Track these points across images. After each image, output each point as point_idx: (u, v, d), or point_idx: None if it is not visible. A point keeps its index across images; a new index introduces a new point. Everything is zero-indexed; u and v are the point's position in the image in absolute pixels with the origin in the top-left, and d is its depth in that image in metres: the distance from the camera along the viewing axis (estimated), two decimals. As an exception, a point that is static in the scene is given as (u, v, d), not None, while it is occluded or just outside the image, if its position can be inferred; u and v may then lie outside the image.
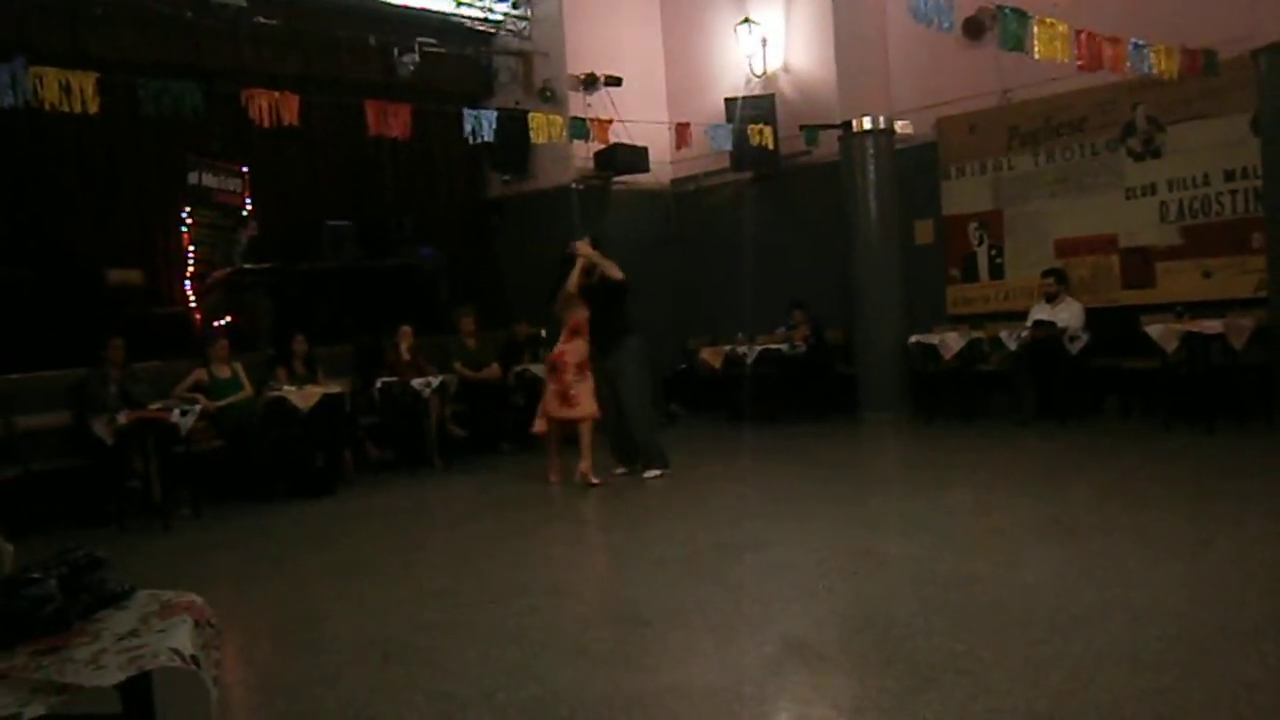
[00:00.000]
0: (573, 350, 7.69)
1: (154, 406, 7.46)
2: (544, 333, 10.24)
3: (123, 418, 7.22)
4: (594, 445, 7.69)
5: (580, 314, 7.75)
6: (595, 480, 7.50)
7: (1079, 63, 7.08)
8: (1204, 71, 7.74)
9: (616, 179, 11.65)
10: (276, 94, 7.31)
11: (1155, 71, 7.38)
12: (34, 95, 6.25)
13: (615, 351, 7.70)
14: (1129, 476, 6.68)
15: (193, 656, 2.11)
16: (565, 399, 7.63)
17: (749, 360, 10.50)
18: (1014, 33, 6.68)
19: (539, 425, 7.89)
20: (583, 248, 7.80)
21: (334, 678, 3.82)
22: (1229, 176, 8.63)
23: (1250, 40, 7.90)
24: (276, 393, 8.15)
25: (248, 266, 9.68)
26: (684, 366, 11.81)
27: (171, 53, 9.23)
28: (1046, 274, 9.23)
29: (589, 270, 7.74)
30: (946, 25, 6.72)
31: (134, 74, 7.11)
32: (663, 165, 11.90)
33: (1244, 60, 7.99)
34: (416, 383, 8.92)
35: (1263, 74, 7.89)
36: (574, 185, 11.45)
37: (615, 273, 7.73)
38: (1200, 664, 3.30)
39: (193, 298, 9.77)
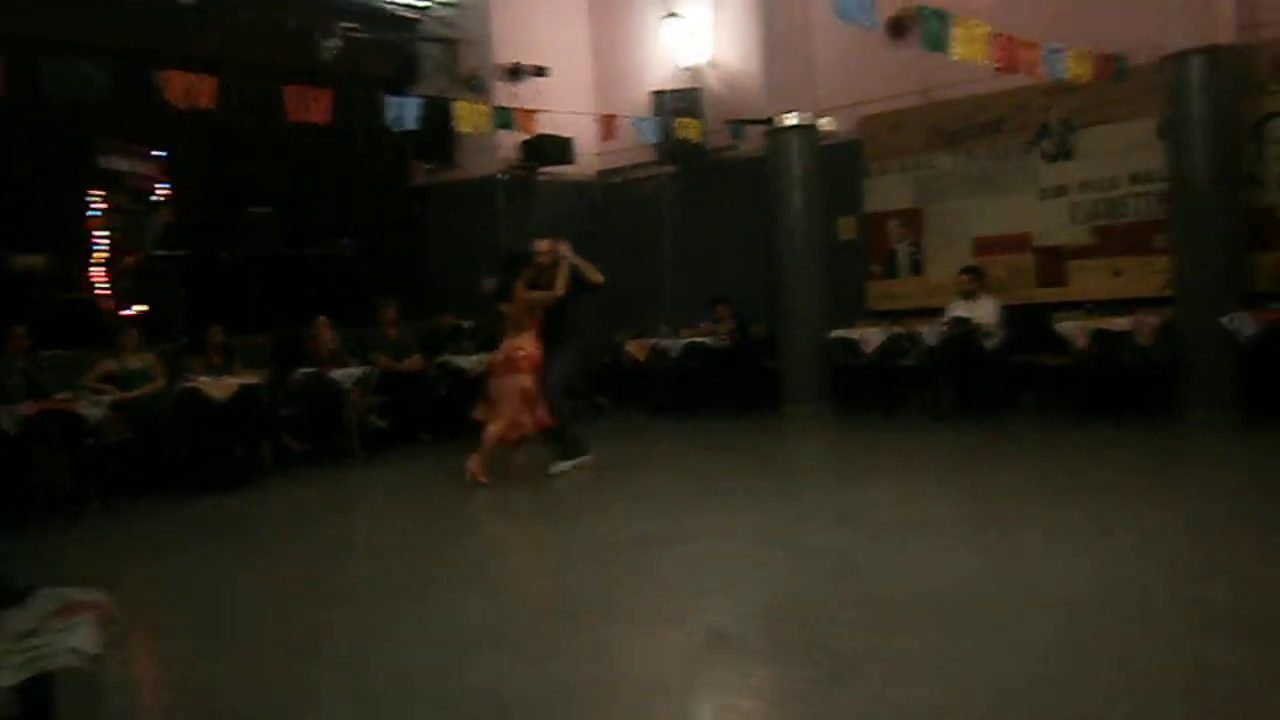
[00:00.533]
0: (537, 351, 7.37)
1: (61, 397, 7.20)
2: (467, 324, 10.15)
3: (27, 408, 6.95)
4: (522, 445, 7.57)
5: (538, 314, 7.46)
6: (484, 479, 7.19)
7: (997, 65, 7.24)
8: (1114, 77, 7.99)
9: (542, 170, 11.58)
10: (192, 76, 7.10)
11: (1068, 76, 7.59)
12: (-69, 72, 5.98)
13: (558, 348, 7.47)
14: (1041, 470, 6.88)
15: (95, 656, 2.04)
16: (530, 405, 7.28)
17: (674, 353, 10.54)
18: (935, 33, 6.81)
19: (505, 429, 7.29)
20: (564, 250, 7.42)
21: (247, 676, 3.73)
22: (1136, 179, 8.91)
23: (1158, 48, 8.17)
24: (191, 384, 7.93)
25: (160, 253, 9.40)
26: (609, 359, 11.81)
27: (81, 31, 8.88)
28: (965, 271, 9.44)
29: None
30: (870, 24, 6.81)
31: (41, 52, 6.84)
32: (589, 157, 11.87)
33: (1152, 67, 8.25)
34: (336, 374, 8.76)
35: (1169, 81, 8.17)
36: (499, 175, 11.35)
37: (596, 276, 7.47)
38: (1101, 651, 3.40)
39: (102, 285, 9.45)
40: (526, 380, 7.28)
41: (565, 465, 7.37)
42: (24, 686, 1.98)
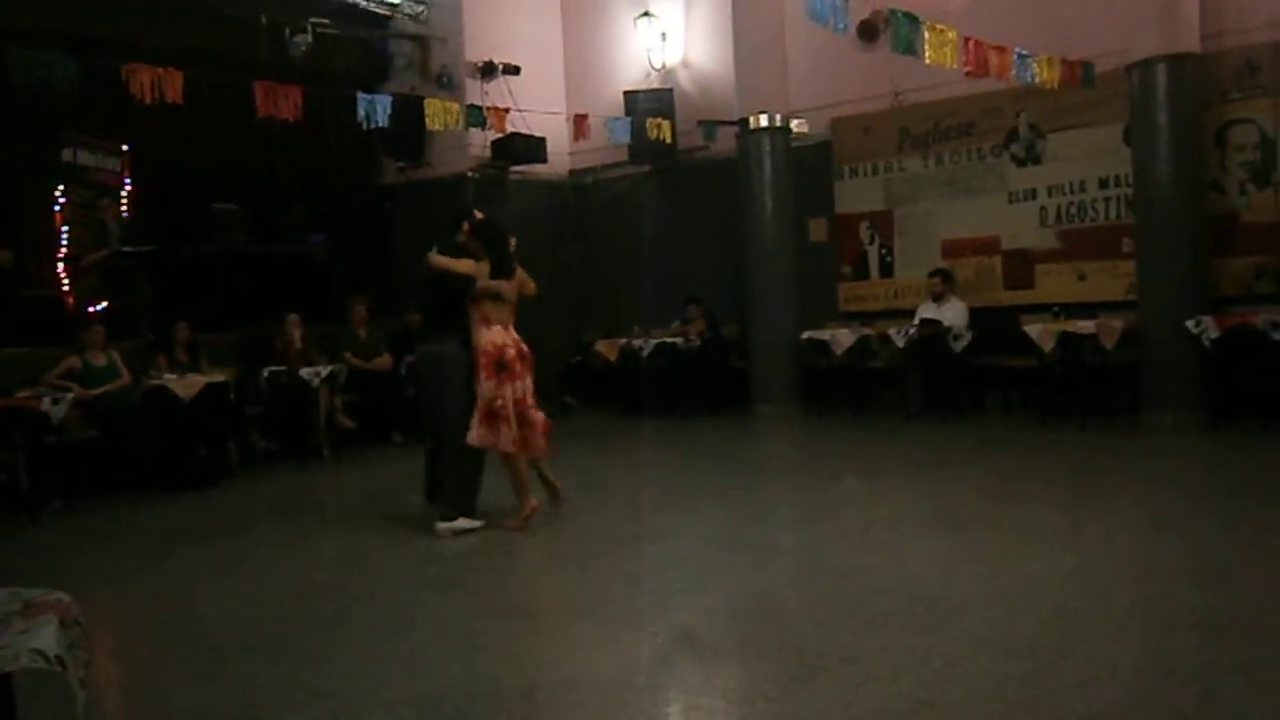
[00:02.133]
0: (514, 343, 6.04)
1: (22, 394, 7.10)
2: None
3: (-12, 406, 6.85)
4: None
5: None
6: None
7: (967, 69, 7.30)
8: (1082, 83, 8.08)
9: (514, 169, 11.55)
10: (160, 70, 7.00)
11: (1037, 81, 7.67)
12: (-111, 60, 5.87)
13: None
14: (1008, 470, 6.95)
15: (58, 657, 2.01)
16: (526, 417, 5.93)
17: (644, 353, 10.55)
18: (905, 37, 6.85)
19: (508, 443, 5.76)
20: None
21: (213, 676, 3.70)
22: (1103, 184, 9.03)
23: (1125, 55, 8.28)
24: (156, 381, 7.84)
25: (126, 249, 9.28)
26: (578, 359, 11.80)
27: (47, 21, 8.74)
28: (934, 274, 9.52)
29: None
30: (842, 27, 6.83)
31: (7, 40, 6.72)
32: (561, 156, 11.84)
33: (1119, 74, 8.36)
34: (305, 372, 8.69)
35: (1135, 88, 8.28)
36: (470, 174, 11.31)
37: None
38: (1071, 648, 3.44)
39: (66, 281, 9.31)
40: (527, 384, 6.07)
41: (448, 525, 5.71)
42: (-16, 687, 1.95)
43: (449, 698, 3.31)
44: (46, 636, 2.00)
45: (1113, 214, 8.98)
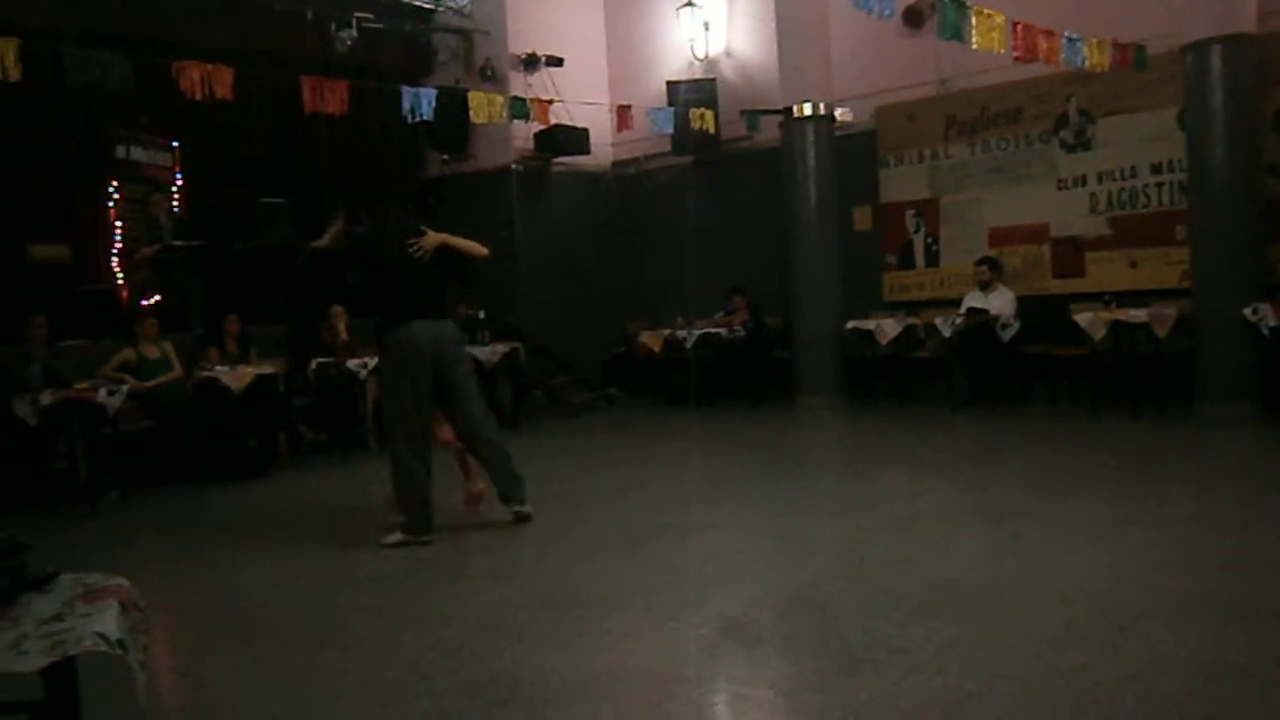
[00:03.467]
0: None
1: (80, 386, 7.25)
2: (481, 314, 10.16)
3: (46, 397, 7.01)
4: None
5: None
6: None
7: (1015, 54, 7.20)
8: (1134, 66, 7.93)
9: (556, 160, 11.59)
10: (209, 67, 7.12)
11: (1087, 65, 7.54)
12: (-49, 61, 6.02)
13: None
14: (1056, 461, 6.85)
15: (119, 641, 2.06)
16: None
17: (688, 344, 10.54)
18: (953, 23, 6.77)
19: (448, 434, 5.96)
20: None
21: (266, 663, 3.76)
22: (1156, 169, 8.86)
23: (1178, 36, 8.10)
24: (208, 373, 7.98)
25: (177, 243, 9.44)
26: (622, 349, 11.82)
27: (98, 21, 8.92)
28: (980, 262, 9.40)
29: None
30: (887, 13, 6.79)
31: (62, 42, 6.87)
32: (603, 147, 11.85)
33: (1172, 56, 8.19)
34: (352, 364, 8.79)
35: (1189, 70, 8.10)
36: (513, 166, 11.36)
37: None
38: (1120, 642, 3.39)
39: (120, 275, 9.50)
40: None
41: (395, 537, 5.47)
42: (48, 670, 2.00)
43: (497, 687, 3.34)
44: (108, 620, 2.05)
45: (1166, 200, 8.81)
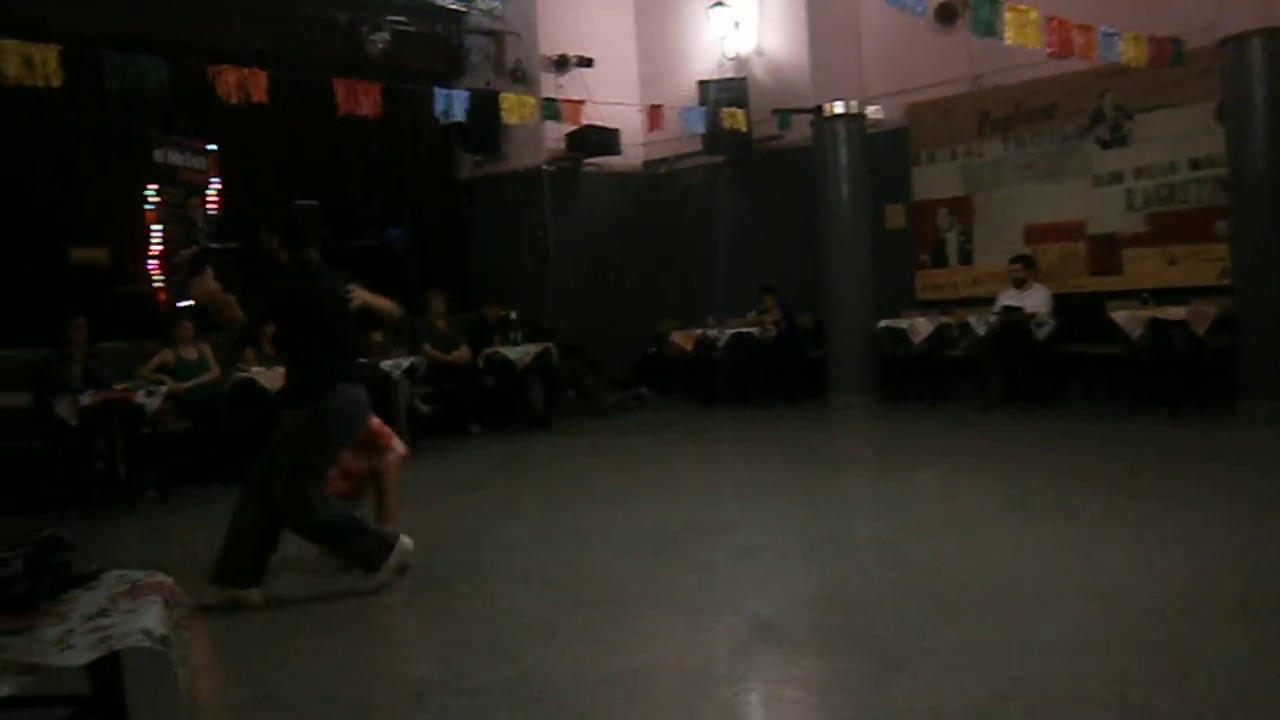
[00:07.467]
0: None
1: (119, 387, 7.36)
2: (514, 314, 10.21)
3: (86, 398, 7.12)
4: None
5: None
6: None
7: (1049, 49, 7.13)
8: (1171, 60, 7.82)
9: (588, 161, 11.61)
10: (244, 70, 7.20)
11: (1124, 59, 7.45)
12: (-4, 69, 6.13)
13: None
14: (1092, 461, 6.77)
15: (162, 637, 2.09)
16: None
17: (720, 343, 10.53)
18: (986, 19, 6.72)
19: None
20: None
21: (299, 660, 3.80)
22: (1195, 165, 8.72)
23: (1217, 29, 7.98)
24: (245, 374, 8.07)
25: (213, 246, 9.54)
26: (653, 349, 11.82)
27: (136, 27, 9.05)
28: (1015, 260, 9.31)
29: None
30: (920, 10, 6.76)
31: (97, 49, 6.98)
32: (634, 147, 11.87)
33: (1210, 49, 8.06)
34: (386, 364, 8.86)
35: (1228, 63, 7.98)
36: (545, 167, 11.40)
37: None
38: (1160, 643, 3.35)
39: (158, 277, 9.63)
40: None
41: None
42: (94, 666, 2.04)
43: (528, 684, 3.36)
44: (153, 616, 2.09)
45: (1205, 196, 8.67)
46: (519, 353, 9.70)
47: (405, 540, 4.71)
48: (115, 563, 2.40)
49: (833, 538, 5.15)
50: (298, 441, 4.53)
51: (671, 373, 11.51)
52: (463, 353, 9.83)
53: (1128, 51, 7.37)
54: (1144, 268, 9.00)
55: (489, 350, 9.90)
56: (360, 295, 5.01)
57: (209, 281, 4.97)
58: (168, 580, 2.27)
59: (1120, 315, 8.19)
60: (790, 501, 6.08)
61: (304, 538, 4.65)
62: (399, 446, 5.43)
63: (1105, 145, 9.20)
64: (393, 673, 3.60)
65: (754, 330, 10.42)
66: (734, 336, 10.46)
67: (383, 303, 5.22)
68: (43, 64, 6.24)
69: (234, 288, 4.96)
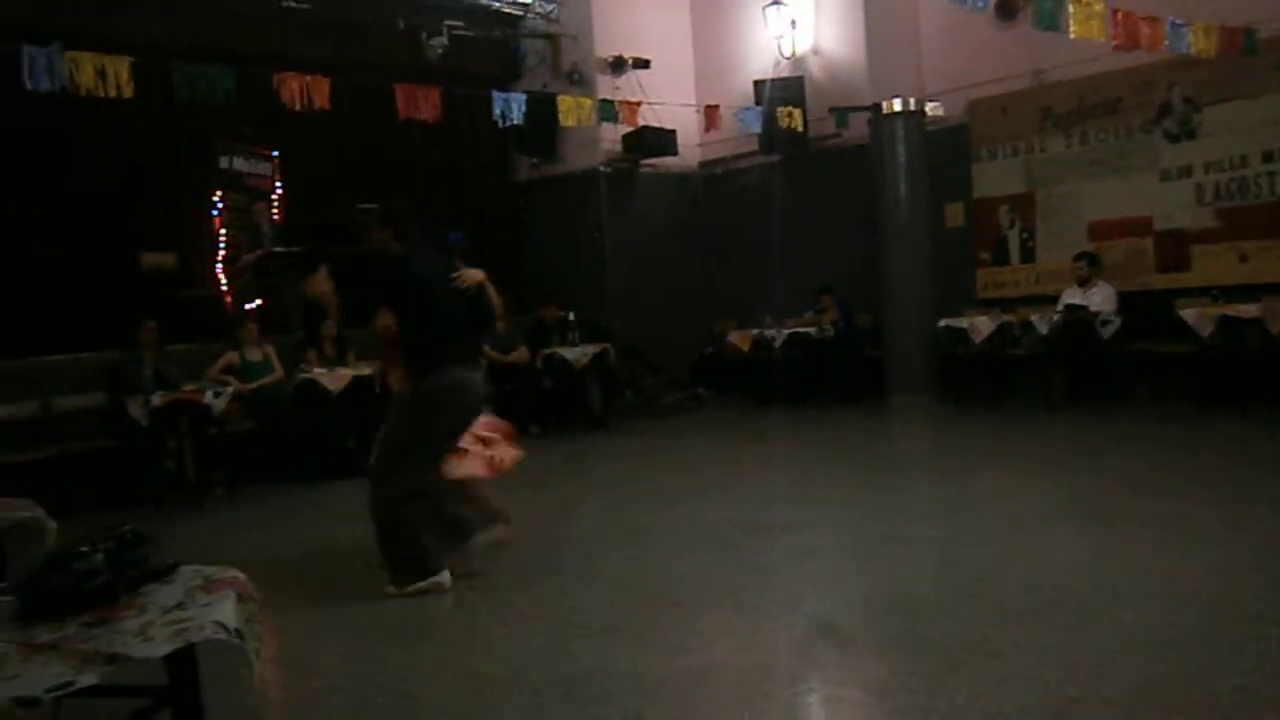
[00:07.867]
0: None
1: (187, 388, 7.55)
2: (571, 315, 10.26)
3: (157, 399, 7.31)
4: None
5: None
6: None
7: (1115, 42, 7.00)
8: (1243, 51, 7.62)
9: (644, 162, 11.64)
10: (307, 77, 7.35)
11: (1193, 51, 7.28)
12: (69, 80, 6.33)
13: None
14: (1159, 462, 6.62)
15: (236, 630, 2.15)
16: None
17: (777, 343, 10.48)
18: (1049, 12, 6.61)
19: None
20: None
21: (368, 656, 3.86)
22: (1268, 158, 8.49)
23: (1290, 19, 7.77)
24: (307, 375, 8.22)
25: (277, 250, 9.75)
26: (710, 350, 11.81)
27: (202, 37, 9.28)
28: (1078, 257, 9.13)
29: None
30: (980, 5, 6.66)
31: (166, 59, 7.16)
32: (691, 148, 11.86)
33: (1283, 39, 7.86)
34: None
35: (1302, 53, 7.77)
36: (602, 168, 11.45)
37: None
38: (1230, 650, 3.27)
39: (224, 281, 9.86)
40: None
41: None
42: (171, 657, 2.10)
43: (591, 682, 3.38)
44: (226, 610, 2.15)
45: (1278, 190, 8.44)
46: (577, 353, 9.76)
47: (444, 577, 4.58)
48: (185, 559, 2.46)
49: (892, 539, 5.10)
50: (412, 419, 4.68)
51: (729, 373, 11.48)
52: (521, 353, 9.91)
53: (1197, 42, 7.21)
54: (1214, 264, 8.78)
55: (547, 351, 9.97)
56: (470, 276, 5.06)
57: (322, 281, 5.20)
58: (240, 575, 2.33)
59: (1189, 313, 8.00)
60: (849, 502, 6.04)
61: (373, 518, 4.63)
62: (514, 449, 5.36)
63: (1173, 139, 8.99)
64: (456, 669, 3.64)
65: (811, 330, 10.36)
66: (791, 336, 10.41)
67: (492, 291, 5.23)
68: (114, 75, 6.44)
69: (294, 289, 5.04)
